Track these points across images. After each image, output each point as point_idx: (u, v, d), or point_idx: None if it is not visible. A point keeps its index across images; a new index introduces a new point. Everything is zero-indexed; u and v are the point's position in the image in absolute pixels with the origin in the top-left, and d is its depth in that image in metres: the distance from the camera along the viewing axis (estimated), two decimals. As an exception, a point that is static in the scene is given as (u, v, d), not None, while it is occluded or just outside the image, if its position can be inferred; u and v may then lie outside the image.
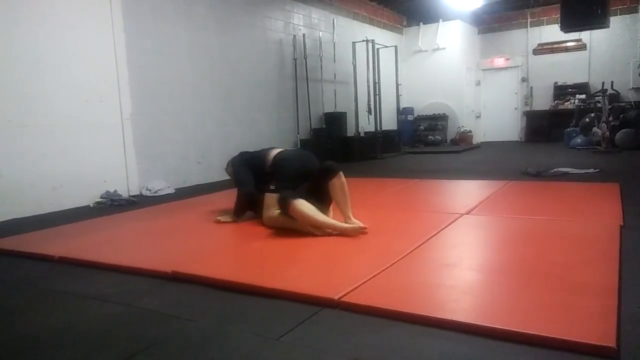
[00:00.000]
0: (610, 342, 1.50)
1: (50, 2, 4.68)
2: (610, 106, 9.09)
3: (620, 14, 10.82)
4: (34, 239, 3.44)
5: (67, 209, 4.70)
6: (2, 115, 4.32)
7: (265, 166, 3.62)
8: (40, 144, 4.59)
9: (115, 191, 5.13)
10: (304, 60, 8.29)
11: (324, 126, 8.80)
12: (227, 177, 6.49)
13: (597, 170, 5.84)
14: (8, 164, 4.35)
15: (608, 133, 8.50)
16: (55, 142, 4.72)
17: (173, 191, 5.62)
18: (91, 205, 4.91)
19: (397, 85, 10.54)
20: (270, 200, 3.31)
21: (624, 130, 8.83)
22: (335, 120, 8.86)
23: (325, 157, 8.33)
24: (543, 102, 12.06)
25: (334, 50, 9.04)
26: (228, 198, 5.05)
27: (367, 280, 2.15)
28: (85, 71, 4.98)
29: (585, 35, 11.18)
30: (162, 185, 5.59)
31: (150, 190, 5.49)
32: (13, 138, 4.39)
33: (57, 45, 4.73)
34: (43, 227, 3.81)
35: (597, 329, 1.60)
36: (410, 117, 11.93)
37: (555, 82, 11.86)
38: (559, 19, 8.60)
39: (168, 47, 5.95)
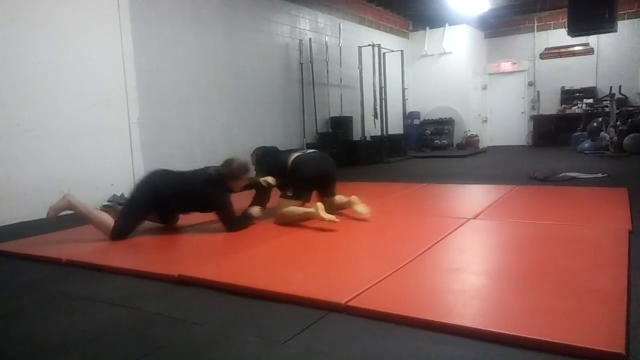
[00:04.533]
0: (619, 349, 1.48)
1: (58, 7, 4.73)
2: (618, 110, 9.04)
3: (628, 18, 10.76)
4: (41, 242, 3.46)
5: (75, 213, 4.71)
6: (11, 119, 4.36)
7: (285, 169, 3.78)
8: (48, 147, 4.62)
9: (123, 195, 5.13)
10: (310, 64, 8.31)
11: (330, 130, 8.80)
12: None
13: (605, 175, 5.80)
14: (16, 167, 4.38)
15: (616, 137, 8.45)
16: (63, 146, 4.75)
17: (180, 195, 5.63)
18: (98, 208, 4.92)
19: (403, 89, 10.53)
20: (282, 204, 3.64)
21: (632, 134, 8.76)
22: (341, 124, 8.86)
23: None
24: (550, 106, 12.01)
25: (340, 55, 9.05)
26: (233, 202, 5.06)
27: (373, 285, 2.14)
28: (93, 75, 5.01)
29: (592, 40, 11.13)
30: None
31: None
32: (21, 142, 4.42)
33: (65, 50, 4.77)
34: (50, 230, 3.83)
35: (606, 335, 1.58)
36: (416, 122, 11.92)
37: (563, 87, 11.81)
38: (566, 23, 8.56)
39: (175, 51, 5.98)
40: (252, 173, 3.87)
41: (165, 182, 3.48)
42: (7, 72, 4.33)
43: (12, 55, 4.37)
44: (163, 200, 3.39)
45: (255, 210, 3.64)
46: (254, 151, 4.26)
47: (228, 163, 3.51)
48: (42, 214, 4.49)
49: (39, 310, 2.20)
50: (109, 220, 3.37)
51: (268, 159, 4.02)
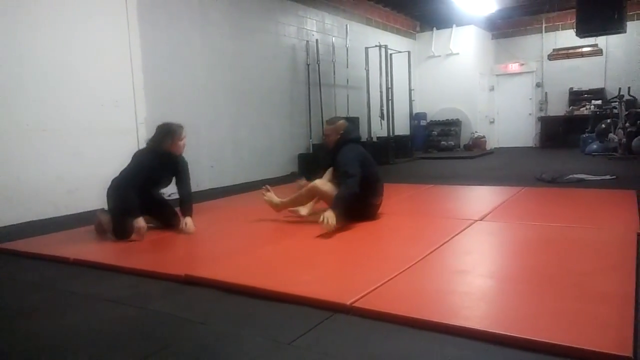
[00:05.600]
0: (627, 352, 1.47)
1: (66, 7, 4.76)
2: (626, 112, 8.96)
3: (637, 19, 10.66)
4: (49, 241, 3.49)
5: (82, 212, 4.74)
6: (20, 120, 4.39)
7: (369, 177, 3.68)
8: (56, 148, 4.66)
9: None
10: (317, 65, 8.31)
11: (337, 131, 8.78)
12: (239, 182, 6.57)
13: (614, 177, 5.75)
14: (25, 167, 4.41)
15: (624, 139, 8.38)
16: (71, 146, 4.78)
17: (186, 195, 5.64)
18: (106, 208, 4.95)
19: (410, 90, 10.51)
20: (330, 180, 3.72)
21: (640, 136, 8.70)
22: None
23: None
24: (558, 107, 11.94)
25: (347, 56, 9.04)
26: (240, 203, 5.08)
27: (379, 286, 2.14)
28: (101, 76, 5.04)
29: (601, 41, 11.04)
30: (175, 190, 5.61)
31: (163, 194, 5.52)
32: (30, 142, 4.46)
33: (73, 51, 4.80)
34: (59, 229, 3.87)
35: (614, 338, 1.57)
36: (423, 123, 11.88)
37: (571, 88, 11.73)
38: (574, 24, 8.50)
39: (183, 52, 6.00)
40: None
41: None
42: (15, 73, 4.37)
43: (20, 56, 4.40)
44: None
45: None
46: (336, 119, 4.12)
47: (162, 126, 3.76)
48: (50, 213, 4.56)
49: (47, 309, 2.22)
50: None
51: (365, 151, 3.80)
